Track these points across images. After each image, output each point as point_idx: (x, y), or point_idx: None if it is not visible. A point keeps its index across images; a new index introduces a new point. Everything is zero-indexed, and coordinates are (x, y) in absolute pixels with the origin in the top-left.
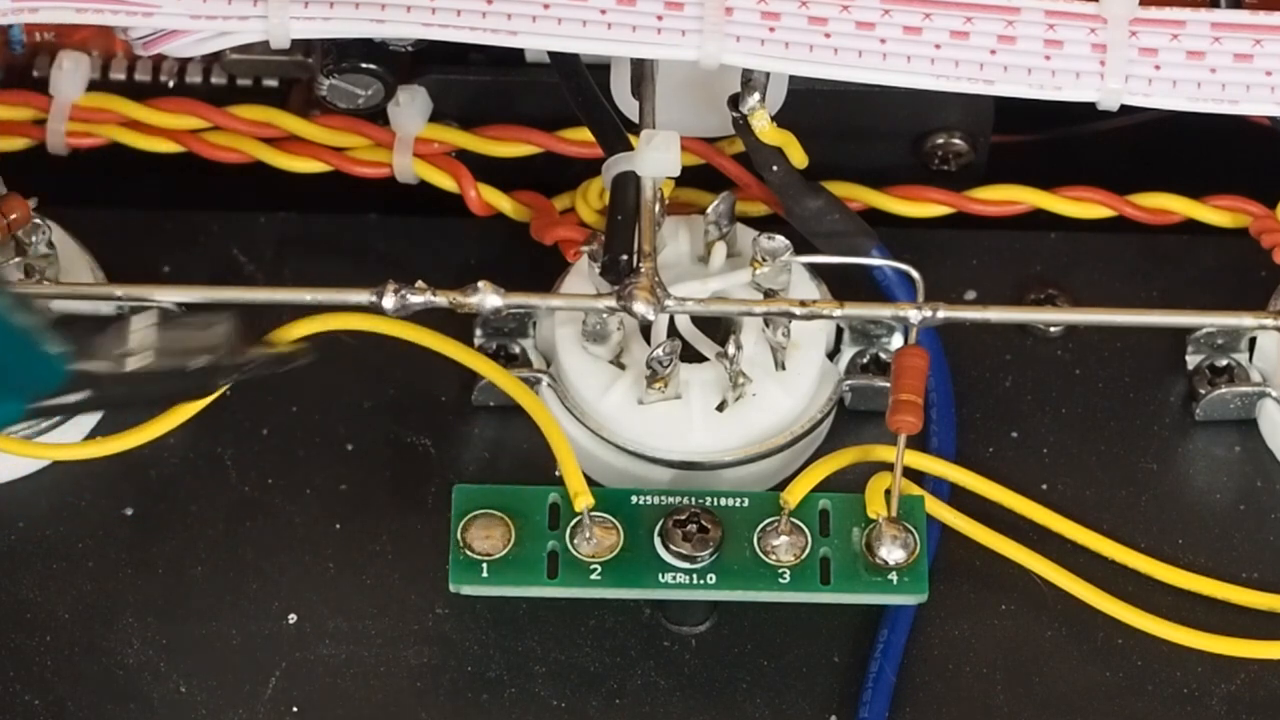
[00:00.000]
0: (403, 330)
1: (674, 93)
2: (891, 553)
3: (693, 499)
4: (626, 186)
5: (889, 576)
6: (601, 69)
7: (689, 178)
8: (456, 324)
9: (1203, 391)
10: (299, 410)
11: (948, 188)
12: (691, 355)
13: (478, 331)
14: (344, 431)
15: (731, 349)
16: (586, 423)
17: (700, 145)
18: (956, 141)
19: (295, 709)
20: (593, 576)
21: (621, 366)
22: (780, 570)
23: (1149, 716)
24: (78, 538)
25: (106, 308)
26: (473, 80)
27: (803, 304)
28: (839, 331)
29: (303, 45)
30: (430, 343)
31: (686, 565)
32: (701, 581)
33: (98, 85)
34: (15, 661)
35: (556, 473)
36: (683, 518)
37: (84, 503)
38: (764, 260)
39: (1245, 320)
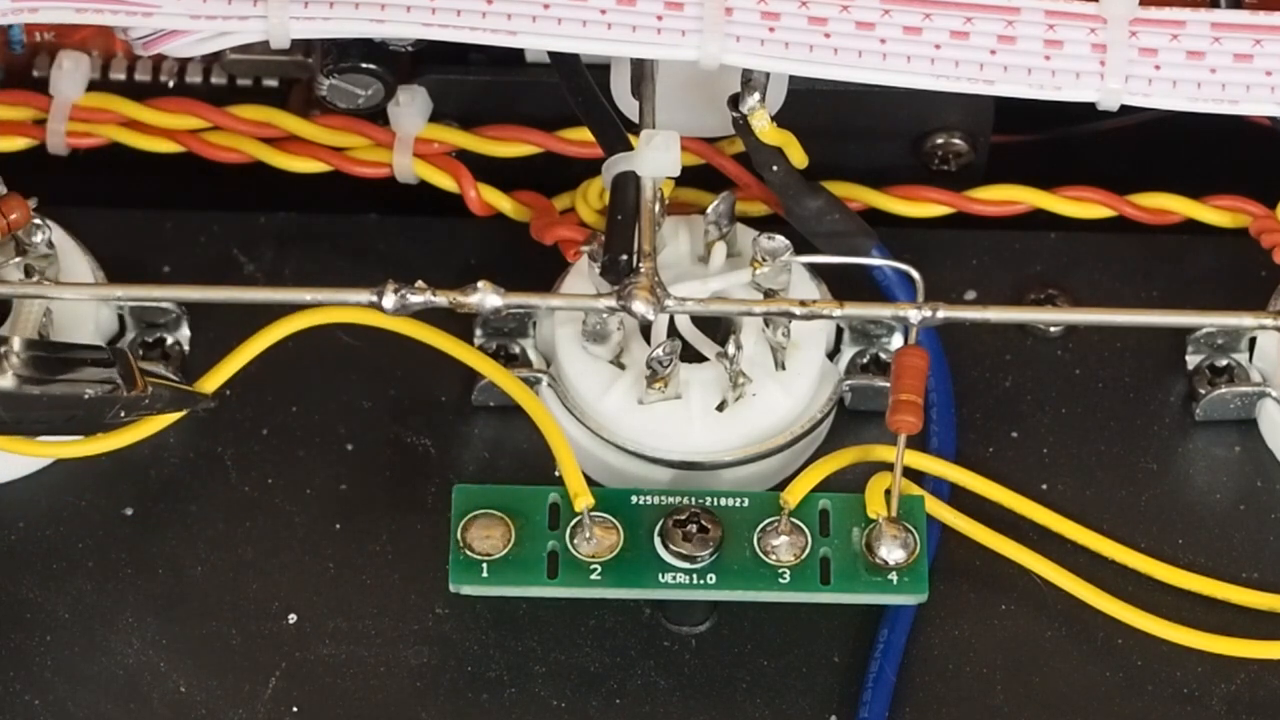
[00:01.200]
0: (404, 326)
1: (674, 93)
2: (891, 553)
3: (693, 499)
4: (626, 186)
5: (889, 576)
6: (601, 69)
7: (689, 178)
8: (456, 324)
9: (1203, 391)
10: (299, 410)
11: (948, 188)
12: (691, 355)
13: (478, 331)
14: (344, 431)
15: (731, 349)
16: (586, 423)
17: (700, 145)
18: (956, 141)
19: (295, 709)
20: (593, 576)
21: (621, 366)
22: (780, 570)
23: (1149, 716)
24: (78, 538)
25: (107, 324)
26: (473, 80)
27: (803, 304)
28: (839, 331)
29: (303, 45)
30: (430, 339)
31: (686, 565)
32: (701, 581)
33: (98, 85)
34: (15, 661)
35: (556, 473)
36: (683, 518)
37: (84, 503)
38: (764, 260)
39: (1245, 320)
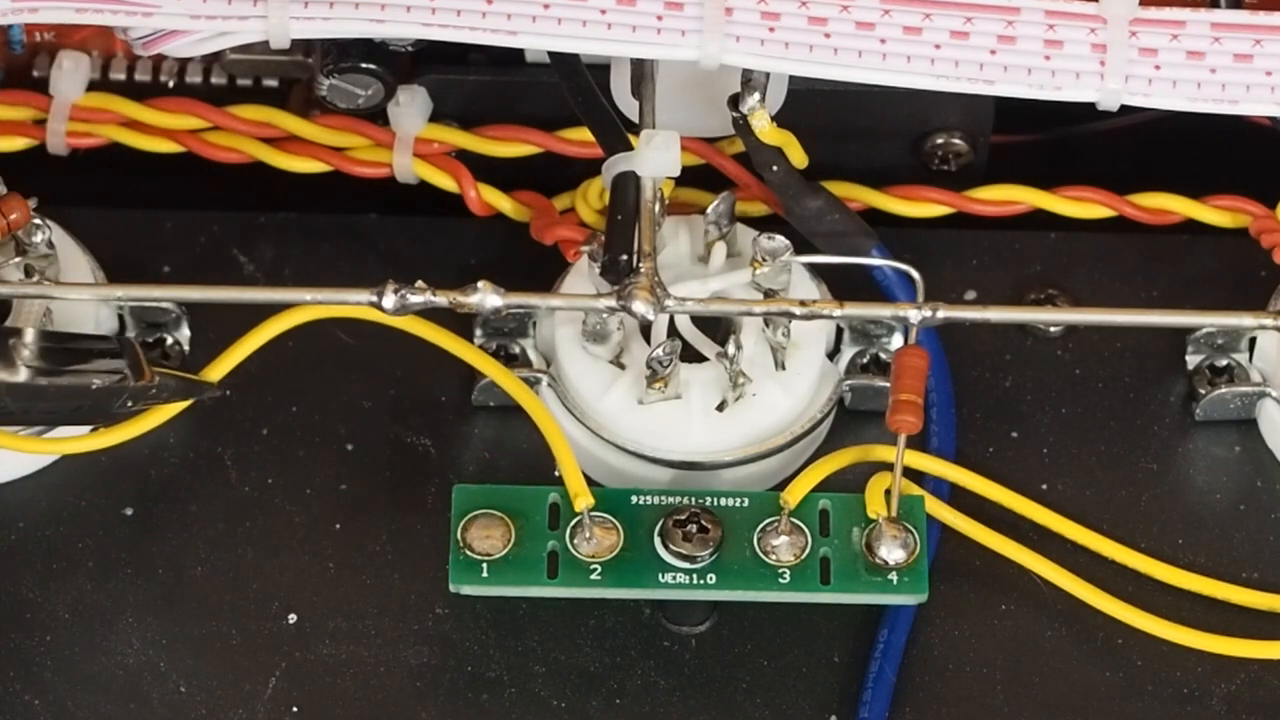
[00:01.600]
0: (406, 323)
1: (674, 93)
2: (891, 553)
3: (693, 499)
4: (626, 186)
5: (889, 576)
6: (601, 69)
7: (689, 178)
8: (456, 324)
9: (1203, 391)
10: (299, 410)
11: (948, 188)
12: (691, 355)
13: (478, 332)
14: (344, 431)
15: (731, 349)
16: (586, 423)
17: (700, 145)
18: (956, 141)
19: (295, 709)
20: (593, 576)
21: (621, 366)
22: (780, 570)
23: (1149, 716)
24: (78, 538)
25: (107, 324)
26: (473, 80)
27: (803, 304)
28: (839, 331)
29: (303, 45)
30: (431, 336)
31: (686, 565)
32: (701, 581)
33: (98, 85)
34: (15, 661)
35: (556, 473)
36: (683, 518)
37: (84, 503)
38: (764, 260)
39: (1245, 320)
